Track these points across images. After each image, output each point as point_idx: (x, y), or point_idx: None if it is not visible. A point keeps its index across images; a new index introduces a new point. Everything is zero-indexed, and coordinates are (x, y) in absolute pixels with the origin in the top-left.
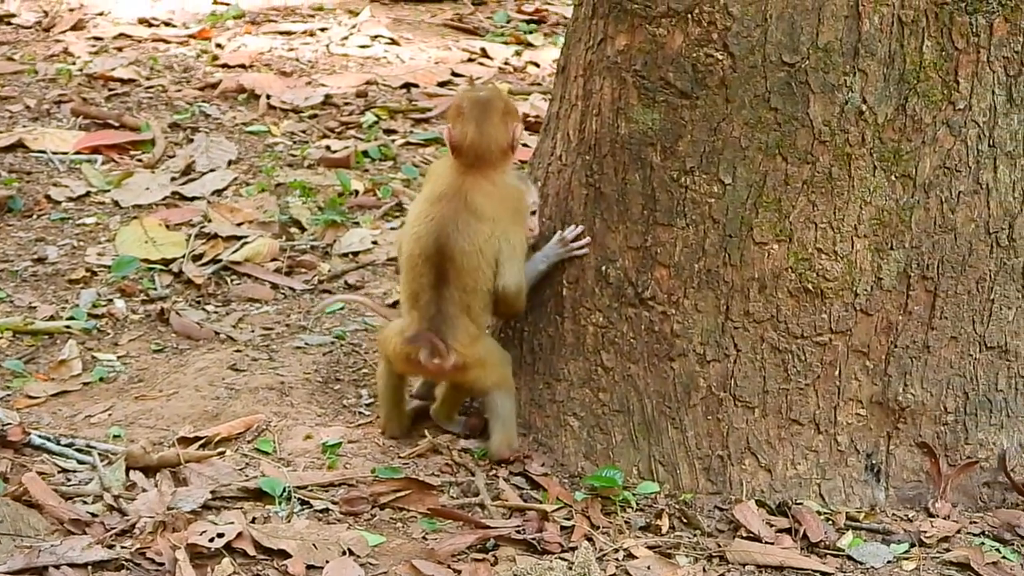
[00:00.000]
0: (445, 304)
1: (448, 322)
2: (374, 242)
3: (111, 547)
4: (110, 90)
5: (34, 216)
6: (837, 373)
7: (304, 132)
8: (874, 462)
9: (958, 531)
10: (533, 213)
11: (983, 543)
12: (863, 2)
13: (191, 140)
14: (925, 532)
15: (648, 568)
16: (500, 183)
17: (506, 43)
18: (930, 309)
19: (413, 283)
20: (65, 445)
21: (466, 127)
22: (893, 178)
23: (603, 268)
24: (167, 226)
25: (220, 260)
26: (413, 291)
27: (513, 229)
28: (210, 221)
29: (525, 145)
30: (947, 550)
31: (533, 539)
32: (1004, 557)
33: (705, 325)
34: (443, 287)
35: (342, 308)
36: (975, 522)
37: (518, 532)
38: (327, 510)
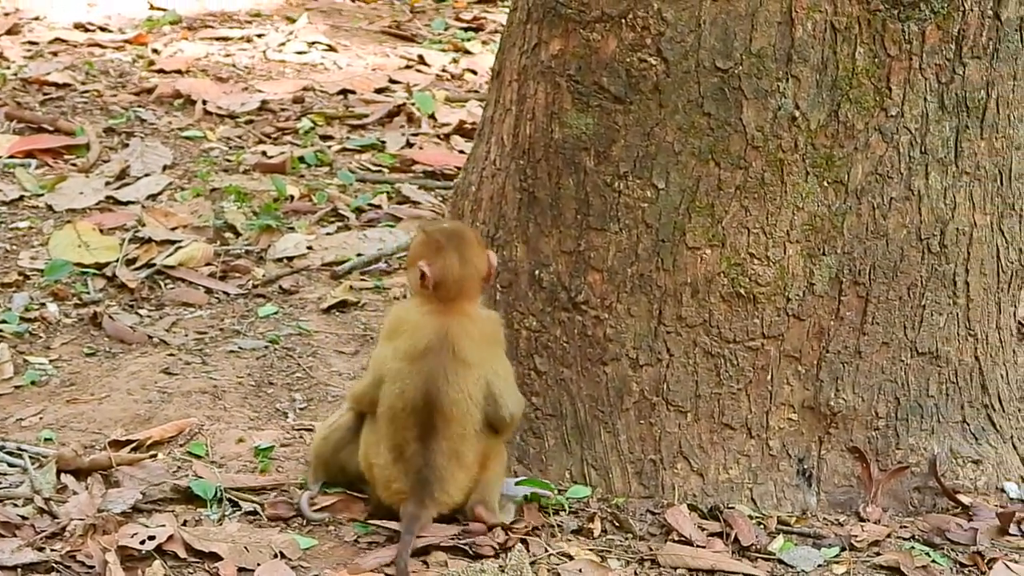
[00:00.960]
0: (433, 456)
1: (437, 474)
2: (309, 247)
3: (41, 549)
4: (45, 94)
5: None
6: (769, 378)
7: (240, 137)
8: (806, 467)
9: (888, 535)
10: None
11: (913, 547)
12: (796, 8)
13: (126, 145)
14: (856, 536)
15: (580, 571)
16: (478, 317)
17: (444, 50)
18: (862, 314)
19: (396, 436)
20: None
21: (449, 260)
22: (825, 184)
23: (536, 273)
24: (101, 230)
25: (154, 264)
26: (397, 444)
27: (498, 360)
28: (144, 225)
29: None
30: (877, 554)
31: (465, 544)
32: (934, 561)
33: (638, 330)
34: (431, 440)
35: (276, 313)
36: (905, 526)
37: (450, 537)
38: (257, 513)
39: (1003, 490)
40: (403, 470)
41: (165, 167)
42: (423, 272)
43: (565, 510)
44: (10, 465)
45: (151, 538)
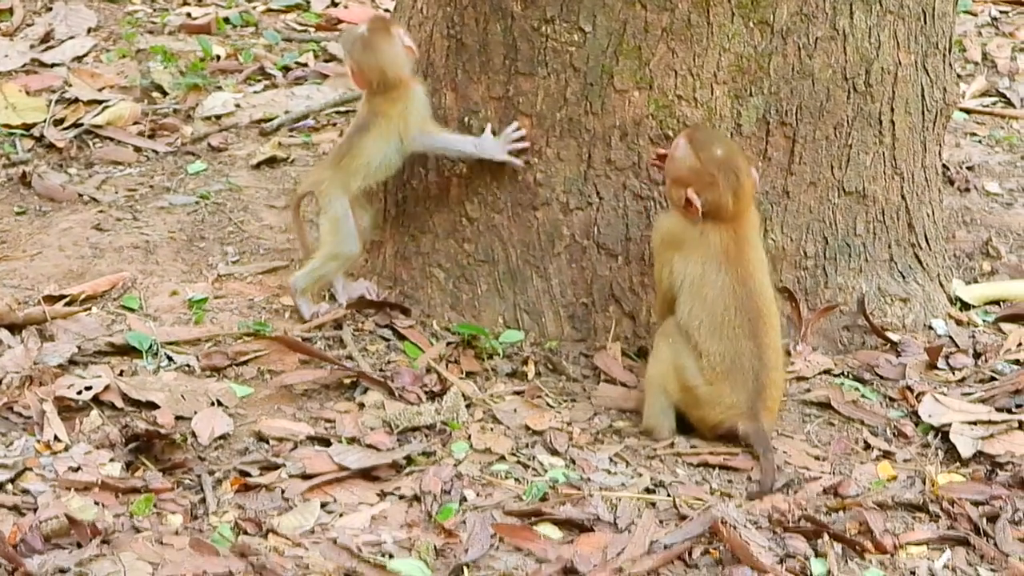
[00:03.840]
0: (768, 360)
1: (771, 378)
2: (237, 105)
3: None
4: None
5: None
6: None
7: (164, 0)
8: None
9: (819, 373)
10: None
11: (843, 383)
12: None
13: (50, 9)
14: (786, 373)
15: (515, 411)
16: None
17: None
18: (789, 155)
19: (725, 346)
20: None
21: (723, 196)
22: (751, 24)
23: (466, 119)
24: (27, 92)
25: (82, 124)
26: (727, 355)
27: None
28: (71, 86)
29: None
30: (808, 390)
31: (399, 387)
32: (863, 396)
33: (567, 174)
34: (763, 345)
35: (206, 169)
36: (836, 364)
37: (387, 380)
38: (191, 366)
39: (931, 327)
40: (738, 381)
41: (90, 29)
42: (689, 201)
43: (499, 354)
44: None
45: (87, 388)
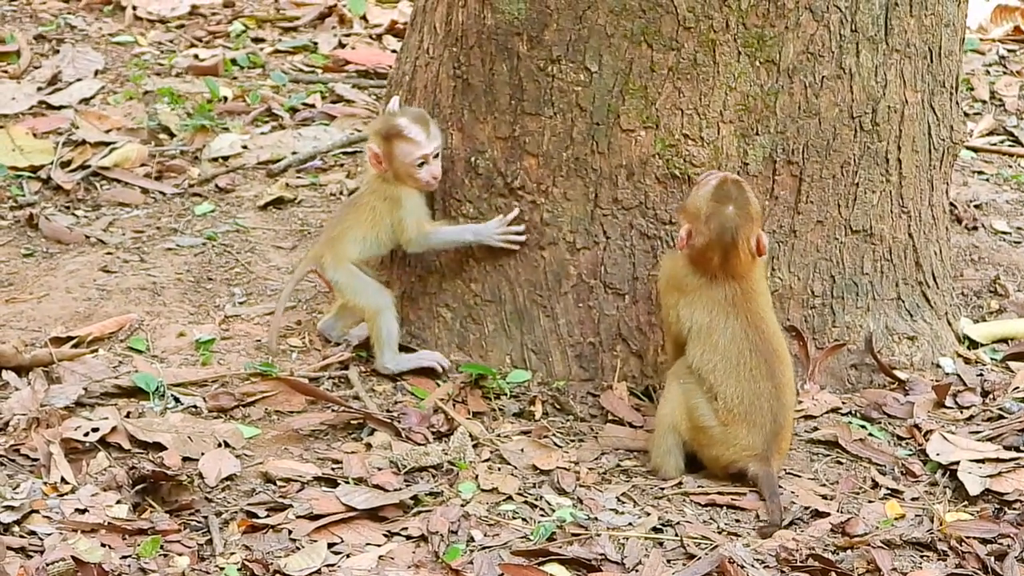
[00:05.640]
0: (784, 401)
1: (786, 418)
2: (244, 146)
3: None
4: None
5: None
6: None
7: (171, 42)
8: None
9: (826, 411)
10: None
11: (851, 422)
12: None
13: (57, 51)
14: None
15: (522, 451)
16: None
17: None
18: (796, 194)
19: (742, 387)
20: None
21: (723, 240)
22: (757, 64)
23: (472, 159)
24: (34, 134)
25: (89, 166)
26: (744, 395)
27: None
28: (78, 128)
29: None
30: (815, 429)
31: (405, 427)
32: (871, 434)
33: (574, 213)
34: (779, 386)
35: (213, 211)
36: (844, 403)
37: (393, 420)
38: (198, 407)
39: (939, 365)
40: (756, 422)
41: (97, 72)
42: (683, 236)
43: (506, 394)
44: None
45: (95, 430)
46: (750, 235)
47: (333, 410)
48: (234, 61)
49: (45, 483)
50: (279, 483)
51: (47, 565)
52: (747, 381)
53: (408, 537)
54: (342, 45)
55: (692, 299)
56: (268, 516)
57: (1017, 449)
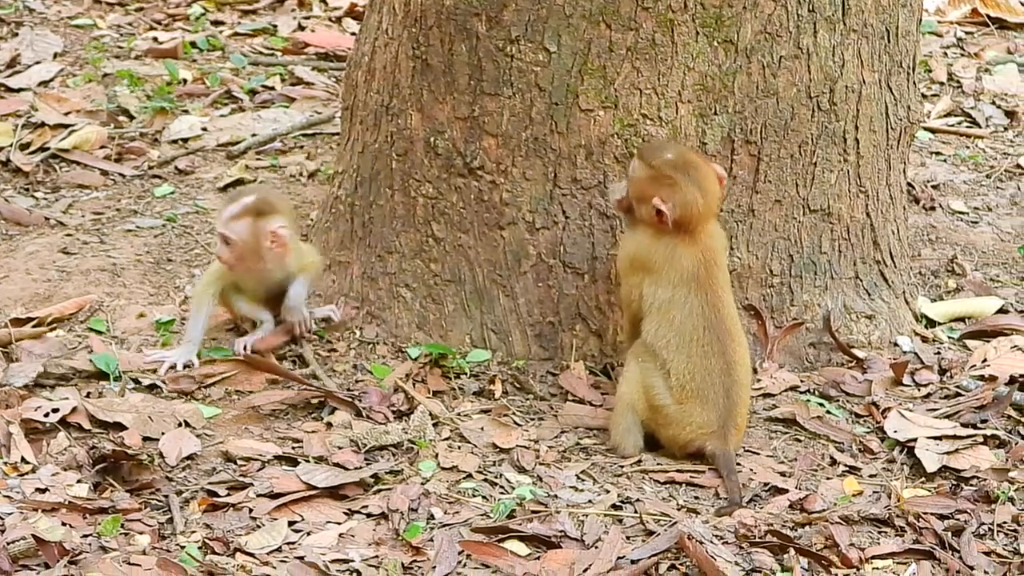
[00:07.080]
0: (737, 379)
1: (740, 397)
2: (204, 128)
3: None
4: None
5: None
6: None
7: (131, 24)
8: None
9: (785, 389)
10: None
11: (809, 400)
12: None
13: (15, 34)
14: (752, 390)
15: (482, 430)
16: (716, 232)
17: None
18: (754, 173)
19: (694, 366)
20: None
21: (689, 195)
22: (715, 44)
23: (432, 139)
24: None
25: (48, 148)
26: (696, 374)
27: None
28: (37, 111)
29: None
30: (774, 407)
31: (366, 406)
32: (829, 412)
33: (533, 193)
34: (731, 365)
35: (172, 192)
36: (802, 381)
37: (354, 399)
38: (156, 387)
39: (896, 344)
40: (708, 400)
41: (56, 55)
42: (659, 210)
43: (466, 373)
44: None
45: (55, 410)
46: (705, 160)
47: (294, 389)
48: (193, 44)
49: (5, 463)
50: (239, 462)
51: (8, 544)
52: (699, 358)
53: (368, 515)
54: (301, 27)
55: (658, 274)
56: (229, 495)
57: (974, 426)
